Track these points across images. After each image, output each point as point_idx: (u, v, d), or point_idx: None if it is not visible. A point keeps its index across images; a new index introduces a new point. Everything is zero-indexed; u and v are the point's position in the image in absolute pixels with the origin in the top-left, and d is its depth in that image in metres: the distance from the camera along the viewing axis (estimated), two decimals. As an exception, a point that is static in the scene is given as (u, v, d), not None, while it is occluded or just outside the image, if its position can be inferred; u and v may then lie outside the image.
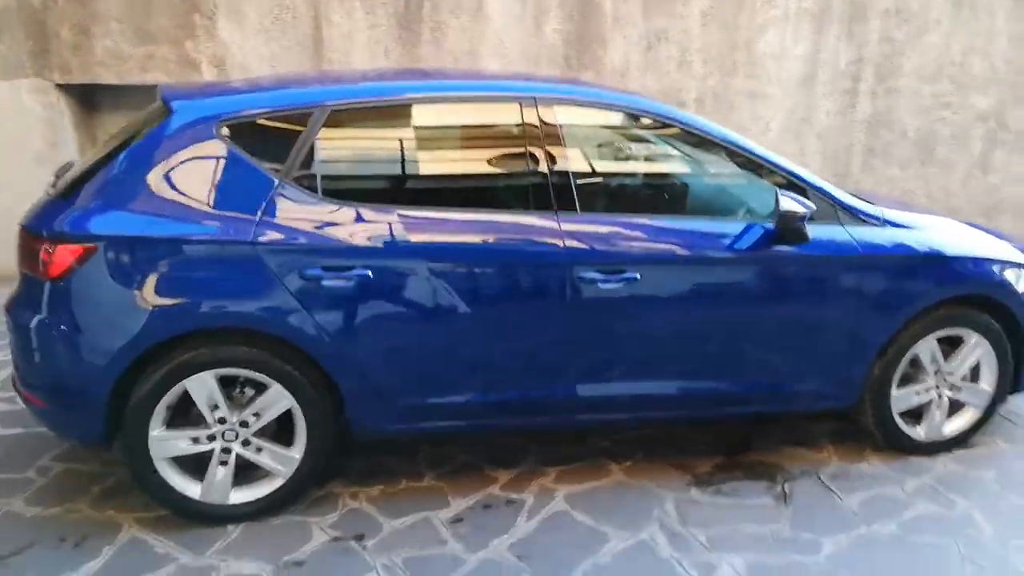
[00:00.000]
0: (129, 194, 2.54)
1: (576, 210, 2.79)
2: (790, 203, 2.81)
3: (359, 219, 2.64)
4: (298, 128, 2.67)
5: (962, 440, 3.35)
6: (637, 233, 2.84)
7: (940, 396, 3.27)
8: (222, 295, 2.55)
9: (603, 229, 2.80)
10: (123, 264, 2.51)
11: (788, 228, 2.84)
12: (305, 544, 2.64)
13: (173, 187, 2.56)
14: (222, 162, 2.61)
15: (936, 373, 3.23)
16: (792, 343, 3.03)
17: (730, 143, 2.98)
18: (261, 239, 2.55)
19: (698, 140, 3.00)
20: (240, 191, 2.60)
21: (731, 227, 2.90)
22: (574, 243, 2.75)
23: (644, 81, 5.85)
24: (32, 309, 2.56)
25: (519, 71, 5.61)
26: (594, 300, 2.78)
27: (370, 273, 2.60)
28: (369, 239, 2.62)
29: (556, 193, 2.79)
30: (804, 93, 6.10)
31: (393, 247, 2.64)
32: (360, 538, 2.69)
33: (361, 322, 2.64)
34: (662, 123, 2.99)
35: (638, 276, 2.78)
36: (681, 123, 2.96)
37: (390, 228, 2.65)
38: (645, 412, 3.06)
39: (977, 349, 3.23)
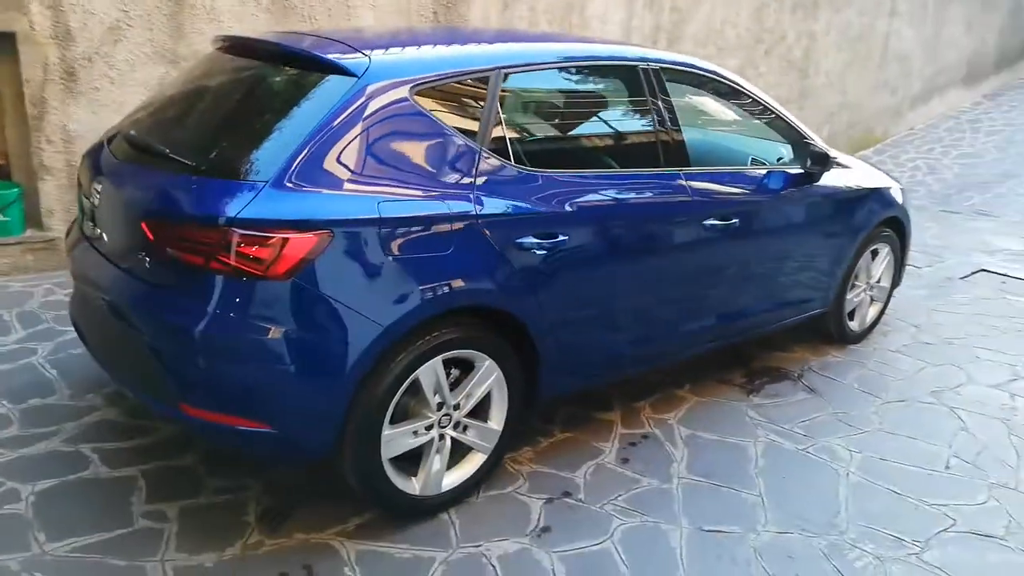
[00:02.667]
0: (340, 171, 2.22)
1: (689, 165, 3.11)
2: (823, 150, 3.50)
3: (553, 184, 2.64)
4: (480, 92, 2.55)
5: (873, 326, 4.46)
6: (732, 183, 3.27)
7: (867, 295, 4.30)
8: (458, 273, 2.39)
9: (711, 183, 3.17)
10: (361, 251, 2.21)
11: (816, 171, 3.53)
12: (530, 512, 2.65)
13: (384, 162, 2.31)
14: (425, 132, 2.40)
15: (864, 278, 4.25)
16: (810, 262, 3.76)
17: (768, 103, 3.53)
18: (481, 212, 2.43)
19: (750, 100, 3.50)
20: (450, 162, 2.43)
21: (779, 172, 3.48)
22: (698, 196, 3.08)
23: (501, 39, 6.08)
24: (242, 317, 2.12)
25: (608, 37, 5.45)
26: (712, 245, 3.16)
27: (568, 237, 2.64)
28: (565, 204, 2.64)
29: (677, 150, 3.07)
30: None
31: (583, 210, 2.70)
32: (568, 494, 2.77)
33: (561, 286, 2.67)
34: (727, 86, 3.41)
35: (737, 221, 3.22)
36: (737, 85, 3.43)
37: (578, 191, 2.70)
38: (724, 339, 3.54)
39: (888, 257, 4.31)
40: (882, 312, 4.49)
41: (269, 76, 2.55)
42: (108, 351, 2.55)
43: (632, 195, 2.88)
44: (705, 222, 3.09)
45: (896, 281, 4.47)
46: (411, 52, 2.61)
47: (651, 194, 2.93)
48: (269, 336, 2.13)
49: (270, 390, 2.19)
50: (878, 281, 4.34)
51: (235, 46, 2.78)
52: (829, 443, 3.25)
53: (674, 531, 2.62)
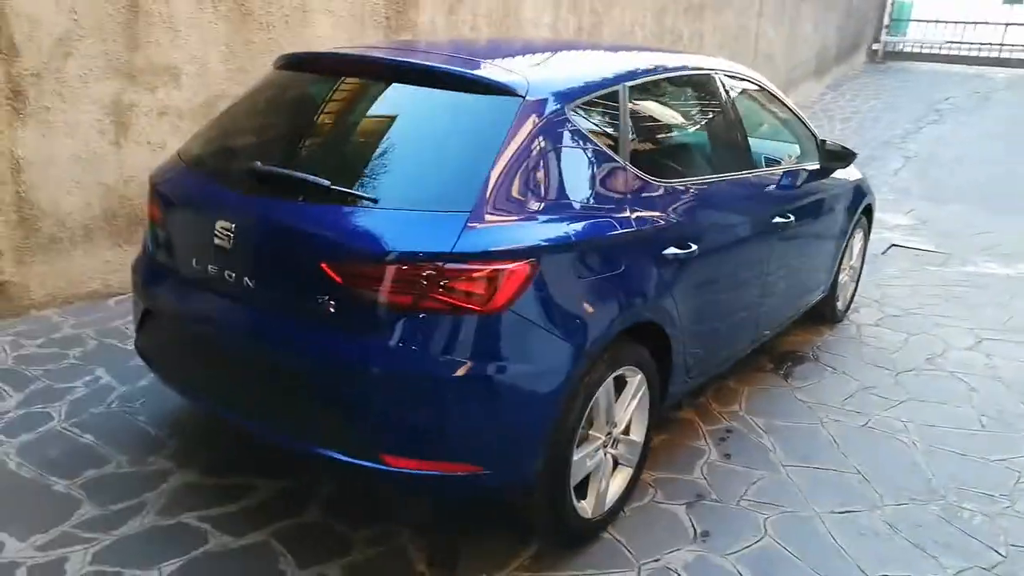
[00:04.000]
0: (527, 196, 2.14)
1: (752, 167, 3.26)
2: (845, 148, 3.79)
3: (678, 194, 2.67)
4: (615, 107, 2.54)
5: (850, 304, 4.85)
6: (787, 181, 3.46)
7: (848, 276, 4.69)
8: (633, 290, 2.39)
9: (772, 185, 3.34)
10: (560, 276, 2.14)
11: (836, 166, 3.82)
12: (681, 520, 2.68)
13: (558, 183, 2.26)
14: (584, 150, 2.36)
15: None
16: (826, 249, 4.07)
17: (787, 103, 3.76)
18: (640, 227, 2.43)
19: (777, 101, 3.71)
20: (607, 179, 2.42)
21: (810, 169, 3.71)
22: (773, 195, 3.25)
23: (447, 43, 5.99)
24: (460, 356, 1.98)
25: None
26: (779, 240, 3.33)
27: (698, 245, 2.69)
28: (691, 213, 2.69)
29: (747, 153, 3.21)
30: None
31: (704, 217, 2.77)
32: (701, 496, 2.82)
33: (692, 292, 2.71)
34: (762, 89, 3.59)
35: (793, 218, 3.41)
36: (768, 88, 3.63)
37: (698, 199, 2.76)
38: (778, 327, 3.77)
39: (861, 240, 4.72)
40: (855, 291, 4.91)
41: (416, 98, 2.39)
42: (252, 403, 2.29)
43: (736, 198, 2.99)
44: (774, 220, 3.26)
45: (863, 261, 4.92)
46: (558, 68, 2.56)
47: (746, 196, 3.06)
48: (488, 372, 2.02)
49: (487, 428, 2.08)
50: (852, 262, 4.75)
51: (338, 64, 2.59)
52: (882, 417, 3.53)
53: (813, 517, 2.75)
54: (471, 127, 2.23)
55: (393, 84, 2.42)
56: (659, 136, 2.95)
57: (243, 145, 2.52)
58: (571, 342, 2.16)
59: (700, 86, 3.17)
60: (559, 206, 2.21)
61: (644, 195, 2.51)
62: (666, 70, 2.96)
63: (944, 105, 11.94)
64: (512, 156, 2.13)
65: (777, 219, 3.27)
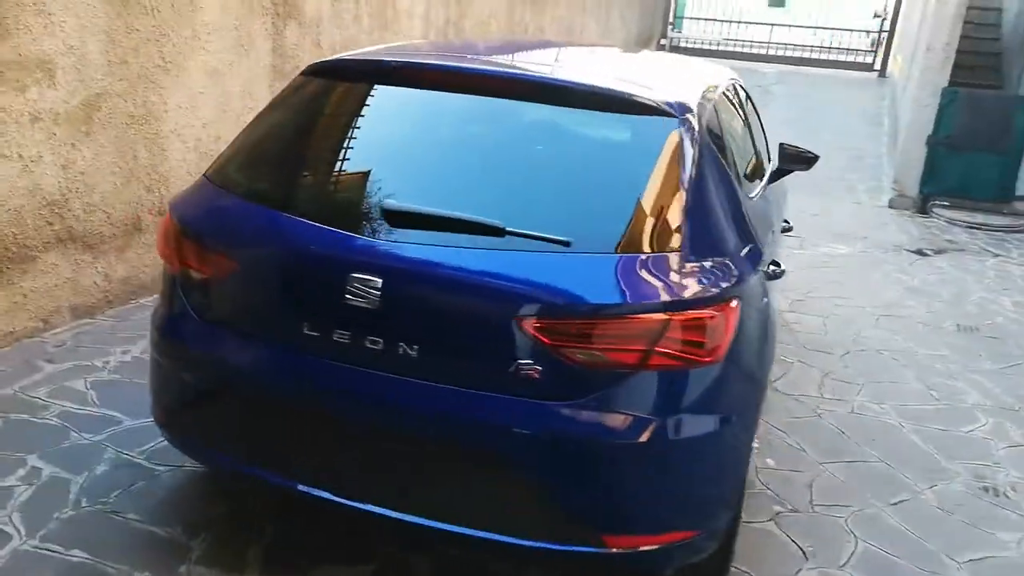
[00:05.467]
0: (716, 227, 1.98)
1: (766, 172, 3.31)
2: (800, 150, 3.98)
3: (755, 206, 2.62)
4: (716, 123, 2.42)
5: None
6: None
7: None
8: (775, 318, 2.28)
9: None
10: (750, 311, 1.98)
11: (790, 169, 4.00)
12: (784, 543, 2.66)
13: (722, 210, 2.08)
14: (720, 171, 2.19)
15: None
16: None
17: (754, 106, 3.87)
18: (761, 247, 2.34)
19: (750, 106, 3.78)
20: (740, 200, 2.27)
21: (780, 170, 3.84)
22: (777, 202, 3.31)
23: (332, 32, 5.43)
24: (687, 413, 1.77)
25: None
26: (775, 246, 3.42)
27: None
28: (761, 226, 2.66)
29: (763, 159, 3.25)
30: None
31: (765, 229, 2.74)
32: (779, 510, 2.82)
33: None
34: (746, 94, 3.64)
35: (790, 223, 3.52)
36: (747, 92, 3.69)
37: (761, 213, 2.73)
38: None
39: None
40: (767, 279, 5.24)
41: (550, 119, 2.10)
42: (398, 490, 1.93)
43: (771, 206, 3.00)
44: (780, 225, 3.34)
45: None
46: (675, 83, 2.35)
47: (773, 202, 3.09)
48: (714, 427, 1.84)
49: (710, 487, 1.90)
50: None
51: (438, 77, 2.21)
52: (860, 402, 3.78)
53: (879, 512, 2.86)
54: (639, 152, 2.03)
55: (515, 101, 2.13)
56: (733, 150, 2.88)
57: (338, 176, 2.08)
58: (760, 382, 2.03)
59: (736, 94, 3.14)
60: (739, 234, 2.07)
61: (749, 212, 2.42)
62: (726, 80, 2.91)
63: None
64: (692, 184, 1.94)
65: (783, 224, 3.36)
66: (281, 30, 4.90)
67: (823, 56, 15.53)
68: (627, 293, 1.76)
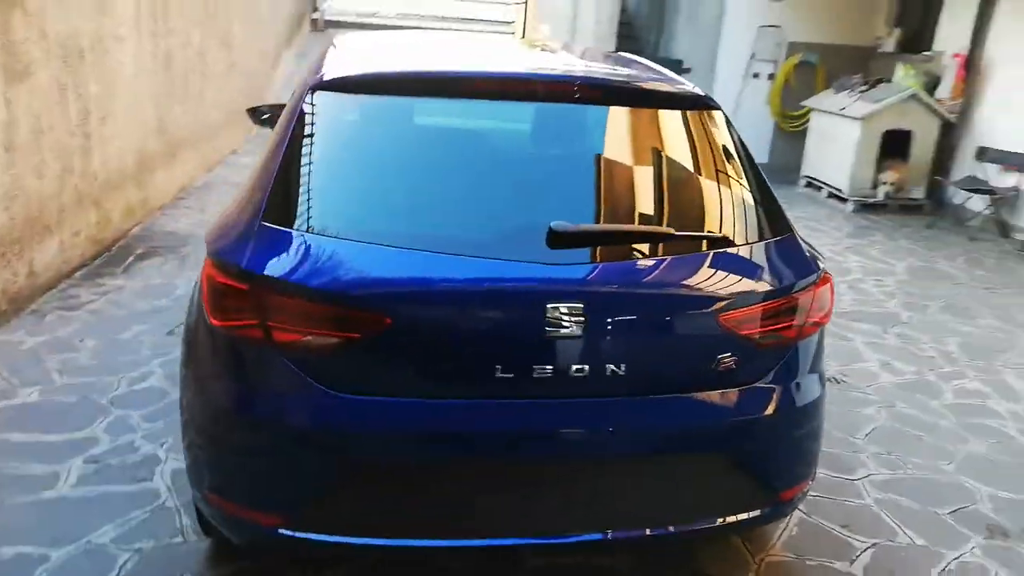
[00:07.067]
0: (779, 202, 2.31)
1: None
2: None
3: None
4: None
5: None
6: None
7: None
8: None
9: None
10: None
11: None
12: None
13: None
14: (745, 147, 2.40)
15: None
16: None
17: None
18: None
19: None
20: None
21: None
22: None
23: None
24: (820, 371, 2.18)
25: None
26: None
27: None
28: None
29: None
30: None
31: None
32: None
33: None
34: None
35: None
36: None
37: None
38: None
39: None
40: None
41: (618, 118, 2.20)
42: (607, 512, 1.95)
43: None
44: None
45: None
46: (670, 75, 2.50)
47: None
48: (823, 382, 2.19)
49: (819, 437, 2.24)
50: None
51: (508, 86, 2.12)
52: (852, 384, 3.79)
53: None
54: (708, 143, 2.20)
55: (587, 105, 2.13)
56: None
57: (466, 202, 1.97)
58: None
59: None
60: None
61: None
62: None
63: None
64: (754, 166, 2.19)
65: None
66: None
67: (471, 27, 15.80)
68: (789, 274, 1.98)
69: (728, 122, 2.25)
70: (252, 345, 1.80)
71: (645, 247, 1.91)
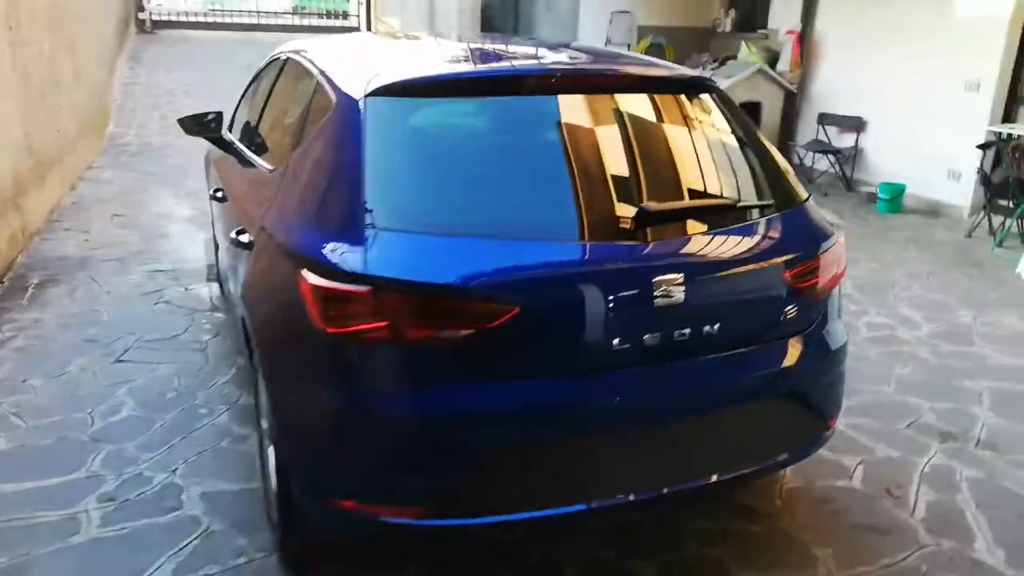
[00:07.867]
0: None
1: None
2: None
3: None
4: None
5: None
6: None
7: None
8: None
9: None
10: None
11: None
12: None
13: None
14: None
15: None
16: None
17: None
18: None
19: None
20: None
21: None
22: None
23: None
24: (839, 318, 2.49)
25: None
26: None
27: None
28: None
29: None
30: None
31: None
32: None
33: None
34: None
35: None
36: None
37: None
38: None
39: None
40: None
41: (657, 106, 2.38)
42: (692, 462, 2.15)
43: None
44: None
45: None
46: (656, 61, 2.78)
47: None
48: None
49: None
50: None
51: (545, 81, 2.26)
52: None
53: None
54: (731, 126, 2.40)
55: (626, 95, 2.33)
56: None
57: (556, 191, 2.06)
58: None
59: None
60: None
61: None
62: None
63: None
64: (756, 135, 2.47)
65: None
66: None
67: (312, 23, 15.36)
68: (820, 232, 2.28)
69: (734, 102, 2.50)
70: (380, 347, 1.83)
71: (716, 218, 2.13)
